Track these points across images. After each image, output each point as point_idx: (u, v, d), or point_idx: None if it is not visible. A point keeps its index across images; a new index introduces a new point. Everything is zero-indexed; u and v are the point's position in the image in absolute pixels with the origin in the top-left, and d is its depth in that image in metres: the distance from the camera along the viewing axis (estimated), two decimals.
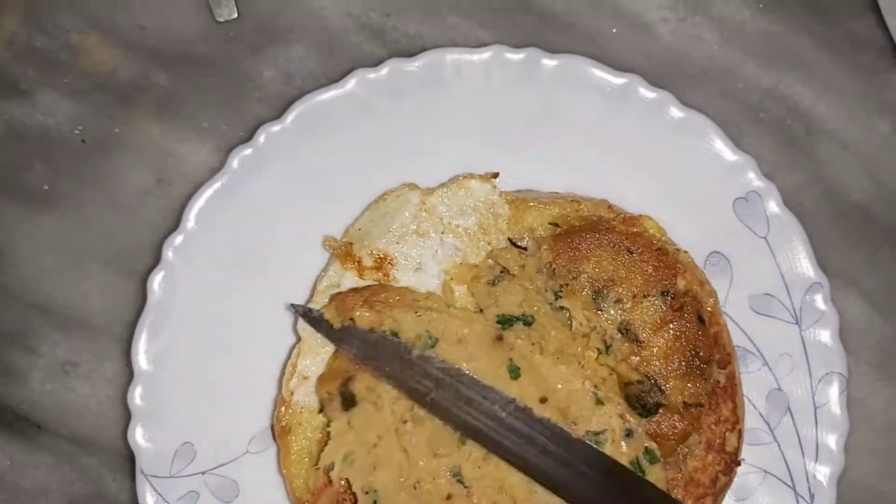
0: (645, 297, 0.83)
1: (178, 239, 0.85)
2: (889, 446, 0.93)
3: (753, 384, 0.87)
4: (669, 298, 0.83)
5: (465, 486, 0.81)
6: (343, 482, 0.82)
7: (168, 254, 0.85)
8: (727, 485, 0.85)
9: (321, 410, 0.83)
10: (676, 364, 0.82)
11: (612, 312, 0.83)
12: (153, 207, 0.92)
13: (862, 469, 0.91)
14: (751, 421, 0.87)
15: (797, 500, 0.86)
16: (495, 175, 0.86)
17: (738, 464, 0.85)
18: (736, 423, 0.85)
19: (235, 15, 0.92)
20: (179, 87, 0.93)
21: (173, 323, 0.85)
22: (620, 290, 0.83)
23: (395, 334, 0.82)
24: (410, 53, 0.91)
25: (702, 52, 0.94)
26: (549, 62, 0.87)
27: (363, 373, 0.82)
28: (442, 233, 0.85)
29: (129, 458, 0.89)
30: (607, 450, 0.81)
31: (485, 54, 0.87)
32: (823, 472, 0.86)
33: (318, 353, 0.84)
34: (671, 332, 0.83)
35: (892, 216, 0.94)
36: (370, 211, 0.86)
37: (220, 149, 0.92)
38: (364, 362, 0.82)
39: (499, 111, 0.88)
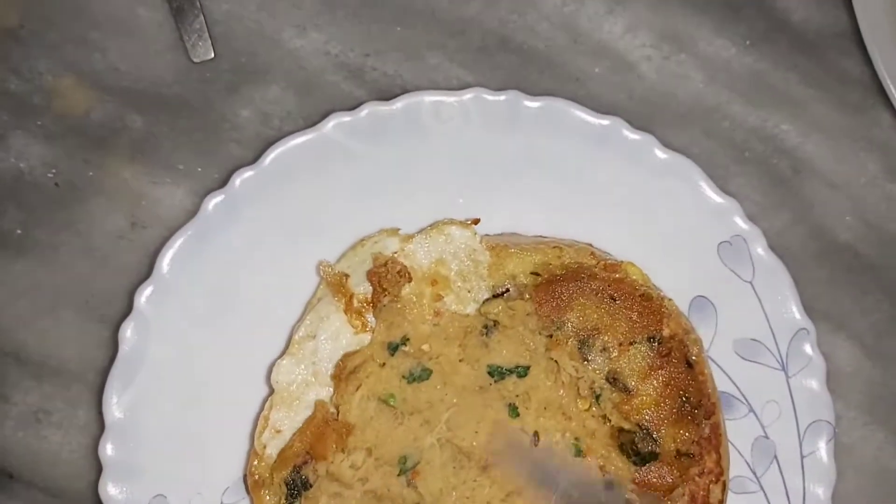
0: (631, 344, 0.82)
1: (150, 287, 0.83)
2: (879, 492, 0.91)
3: (739, 431, 0.86)
4: (656, 344, 0.81)
5: None
6: None
7: (140, 302, 0.83)
8: None
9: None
10: (667, 411, 0.80)
11: (600, 361, 0.82)
12: (127, 252, 0.90)
13: None
14: (737, 469, 0.85)
15: None
16: (476, 221, 0.84)
17: None
18: (720, 474, 0.82)
19: (212, 55, 0.91)
20: (154, 129, 0.91)
21: (145, 373, 0.83)
22: (606, 338, 0.82)
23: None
24: (390, 93, 0.90)
25: (687, 91, 0.93)
26: (531, 104, 0.86)
27: (322, 456, 0.80)
28: (421, 279, 0.83)
29: None
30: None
31: (465, 96, 0.86)
32: None
33: (291, 407, 0.82)
34: (660, 378, 0.81)
35: (881, 257, 0.92)
36: (347, 257, 0.85)
37: (196, 191, 0.91)
38: None
39: (480, 154, 0.87)
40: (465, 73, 0.92)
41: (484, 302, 0.83)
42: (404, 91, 0.90)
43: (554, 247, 0.84)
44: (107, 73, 0.91)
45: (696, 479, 0.82)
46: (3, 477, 0.89)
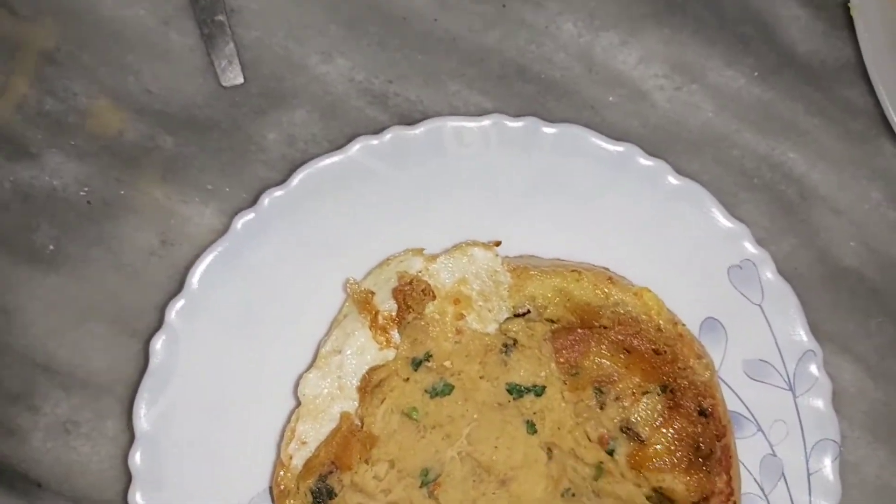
0: (644, 393, 0.84)
1: (180, 302, 0.86)
2: None
3: (748, 450, 0.88)
4: (669, 393, 0.84)
5: None
6: None
7: (171, 317, 0.86)
8: None
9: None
10: (679, 460, 0.83)
11: (613, 411, 0.85)
12: (157, 268, 0.93)
13: None
14: (746, 486, 0.88)
15: None
16: (498, 243, 0.88)
17: None
18: (731, 495, 0.85)
19: (241, 80, 0.94)
20: (184, 150, 0.94)
21: (175, 385, 0.86)
22: (620, 387, 0.85)
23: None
24: (411, 118, 0.93)
25: (697, 120, 0.96)
26: (548, 130, 0.89)
27: (348, 465, 0.83)
28: (444, 298, 0.86)
29: None
30: None
31: (485, 122, 0.89)
32: None
33: (317, 419, 0.85)
34: (673, 427, 0.84)
35: (884, 281, 0.95)
36: (373, 275, 0.88)
37: (224, 211, 0.94)
38: None
39: (499, 177, 0.90)
40: (485, 100, 0.96)
41: (504, 320, 0.86)
42: (425, 116, 0.94)
43: (572, 270, 0.87)
44: (140, 95, 0.95)
45: (708, 500, 0.85)
46: (32, 486, 0.91)
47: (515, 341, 0.85)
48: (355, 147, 0.88)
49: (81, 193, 0.94)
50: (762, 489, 0.88)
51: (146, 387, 0.85)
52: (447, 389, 0.85)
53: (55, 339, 0.92)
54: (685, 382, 0.84)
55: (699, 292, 0.90)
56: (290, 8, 0.96)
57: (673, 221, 0.90)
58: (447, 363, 0.85)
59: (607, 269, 0.89)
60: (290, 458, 0.84)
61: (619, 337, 0.84)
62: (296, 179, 0.87)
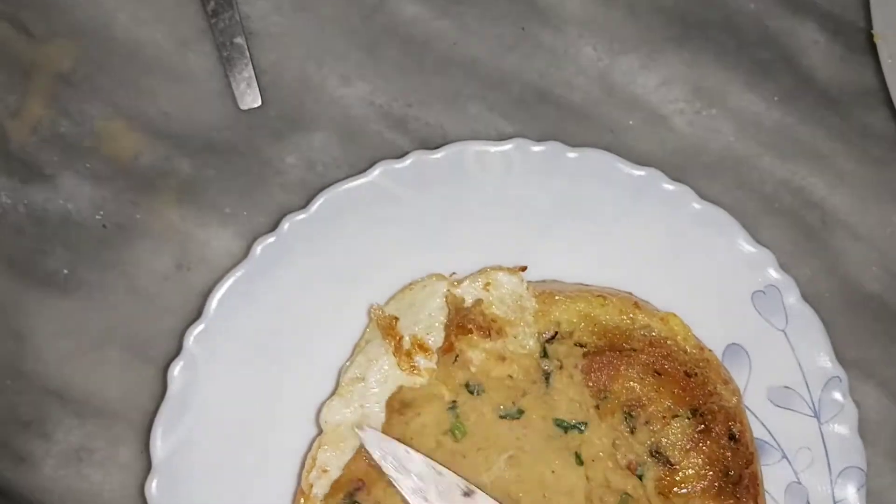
0: (674, 417, 0.84)
1: (199, 328, 0.85)
2: None
3: (773, 477, 0.87)
4: (699, 417, 0.83)
5: None
6: None
7: (189, 343, 0.84)
8: None
9: None
10: (708, 485, 0.82)
11: (643, 435, 0.84)
12: (173, 293, 0.92)
13: None
14: None
15: None
16: (523, 269, 0.87)
17: None
18: None
19: (259, 103, 0.93)
20: (202, 174, 0.93)
21: (193, 413, 0.84)
22: (650, 410, 0.84)
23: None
24: (432, 142, 0.93)
25: (718, 144, 0.96)
26: (571, 155, 0.89)
27: (376, 482, 0.82)
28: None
29: None
30: None
31: (507, 146, 0.89)
32: None
33: (338, 447, 0.83)
34: (703, 452, 0.83)
35: None
36: (396, 300, 0.87)
37: (242, 235, 0.92)
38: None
39: (521, 202, 0.89)
40: (505, 124, 0.95)
41: (545, 342, 0.85)
42: (446, 140, 0.93)
43: (598, 296, 0.86)
44: (156, 117, 0.93)
45: None
46: None
47: (561, 365, 0.84)
48: (377, 171, 0.87)
49: (97, 217, 0.93)
50: None
51: (164, 414, 0.84)
52: (511, 413, 0.83)
53: (68, 365, 0.91)
54: (715, 407, 0.83)
55: (723, 318, 0.89)
56: (308, 31, 0.95)
57: (696, 246, 0.89)
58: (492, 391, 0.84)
59: (631, 294, 0.88)
60: (311, 486, 0.83)
61: (650, 359, 0.84)
62: (317, 203, 0.86)
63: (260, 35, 0.95)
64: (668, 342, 0.84)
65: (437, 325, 0.85)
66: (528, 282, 0.87)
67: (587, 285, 0.88)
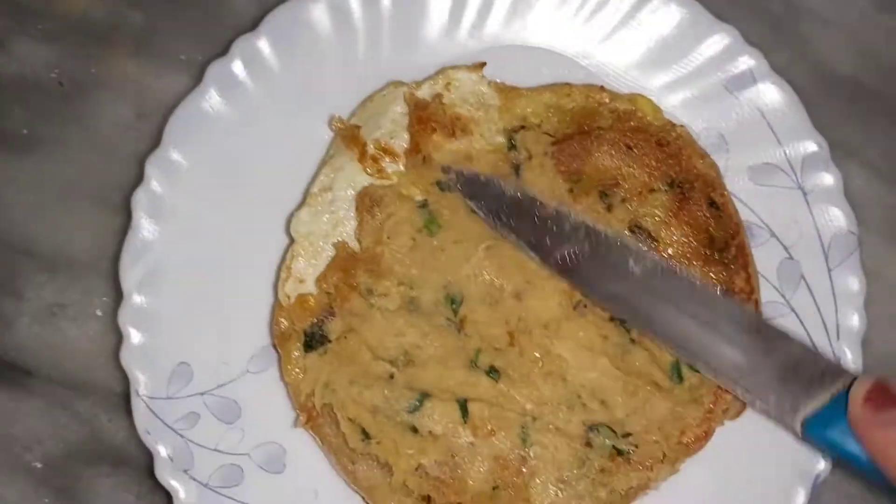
0: (651, 191, 0.81)
1: (159, 155, 0.83)
2: None
3: (763, 257, 0.84)
4: (677, 188, 0.81)
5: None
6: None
7: (150, 170, 0.82)
8: None
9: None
10: (693, 255, 0.80)
11: (620, 213, 0.81)
12: (135, 141, 0.90)
13: (885, 337, 0.88)
14: (766, 295, 0.84)
15: None
16: (483, 65, 0.85)
17: None
18: (751, 293, 0.81)
19: None
20: (153, 23, 0.92)
21: (161, 240, 0.82)
22: (626, 188, 0.81)
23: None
24: None
25: None
26: None
27: (347, 298, 0.79)
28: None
29: (124, 396, 0.86)
30: None
31: None
32: (847, 334, 0.82)
33: (313, 256, 0.81)
34: (683, 222, 0.81)
35: (882, 85, 0.93)
36: (357, 114, 0.85)
37: (198, 78, 0.91)
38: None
39: (477, 6, 0.87)
40: None
41: (511, 135, 0.83)
42: None
43: (564, 84, 0.84)
44: None
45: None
46: (21, 375, 0.87)
47: (530, 155, 0.82)
48: None
49: (52, 76, 0.92)
50: (783, 295, 0.84)
51: (131, 243, 0.82)
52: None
53: (35, 222, 0.89)
54: (692, 176, 0.81)
55: (695, 102, 0.87)
56: None
57: (659, 30, 0.87)
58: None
59: (598, 85, 0.86)
60: (289, 298, 0.80)
61: (619, 136, 0.81)
62: (265, 21, 0.85)
63: None
64: (638, 115, 0.82)
65: (400, 129, 0.83)
66: (491, 81, 0.85)
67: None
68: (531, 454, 0.77)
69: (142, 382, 0.80)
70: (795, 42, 0.93)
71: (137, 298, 0.81)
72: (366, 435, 0.77)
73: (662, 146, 0.81)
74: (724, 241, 0.80)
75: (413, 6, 0.87)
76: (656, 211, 0.81)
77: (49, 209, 0.89)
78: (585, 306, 0.79)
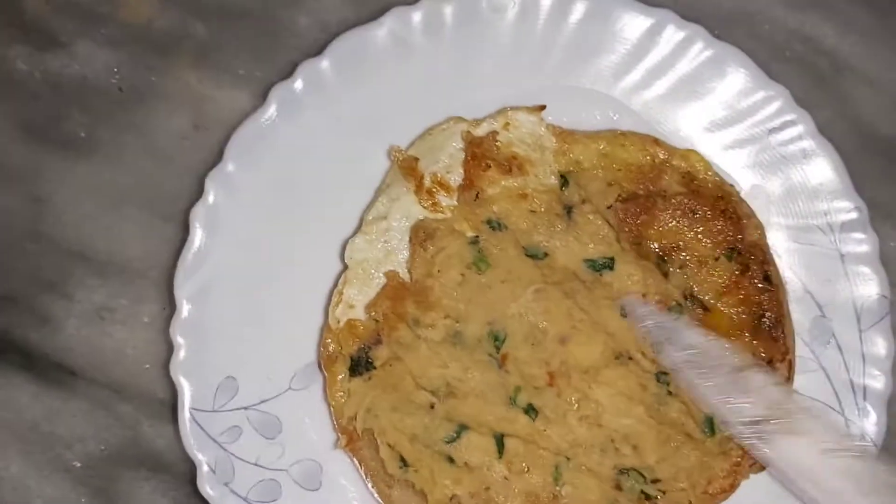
0: (712, 259, 0.83)
1: (220, 171, 0.85)
2: None
3: (796, 311, 0.87)
4: (735, 259, 0.83)
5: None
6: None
7: (211, 185, 0.84)
8: None
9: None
10: (744, 327, 0.82)
11: (677, 280, 0.83)
12: (190, 152, 0.92)
13: None
14: (796, 349, 0.86)
15: (847, 426, 0.85)
16: (542, 107, 0.86)
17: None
18: (786, 353, 0.83)
19: None
20: (216, 37, 0.94)
21: (215, 257, 0.84)
22: (685, 254, 0.83)
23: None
24: None
25: None
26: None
27: (395, 327, 0.82)
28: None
29: (166, 404, 0.88)
30: None
31: None
32: (872, 395, 0.85)
33: (364, 283, 0.83)
34: (740, 295, 0.83)
35: None
36: (416, 146, 0.86)
37: (257, 95, 0.93)
38: None
39: (536, 47, 0.89)
40: None
41: (564, 176, 0.85)
42: None
43: (619, 133, 0.86)
44: None
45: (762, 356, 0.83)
46: (66, 375, 0.89)
47: (584, 200, 0.84)
48: (389, 17, 0.87)
49: (112, 81, 0.93)
50: (812, 351, 0.87)
51: (188, 257, 0.84)
52: (537, 254, 0.83)
53: (89, 226, 0.91)
54: (750, 245, 0.83)
55: (741, 157, 0.89)
56: None
57: (711, 85, 0.89)
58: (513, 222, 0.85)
59: (652, 136, 0.87)
60: (338, 322, 0.82)
61: (683, 200, 0.83)
62: (330, 48, 0.86)
63: None
64: (697, 177, 0.84)
65: (457, 164, 0.85)
66: (549, 123, 0.86)
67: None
68: (562, 493, 0.79)
69: (189, 394, 0.82)
70: (838, 101, 0.95)
71: (190, 310, 0.83)
72: (403, 462, 0.80)
73: (724, 212, 0.83)
74: (775, 317, 0.82)
75: (474, 41, 0.89)
76: (712, 280, 0.83)
77: (103, 214, 0.91)
78: (630, 358, 0.82)
